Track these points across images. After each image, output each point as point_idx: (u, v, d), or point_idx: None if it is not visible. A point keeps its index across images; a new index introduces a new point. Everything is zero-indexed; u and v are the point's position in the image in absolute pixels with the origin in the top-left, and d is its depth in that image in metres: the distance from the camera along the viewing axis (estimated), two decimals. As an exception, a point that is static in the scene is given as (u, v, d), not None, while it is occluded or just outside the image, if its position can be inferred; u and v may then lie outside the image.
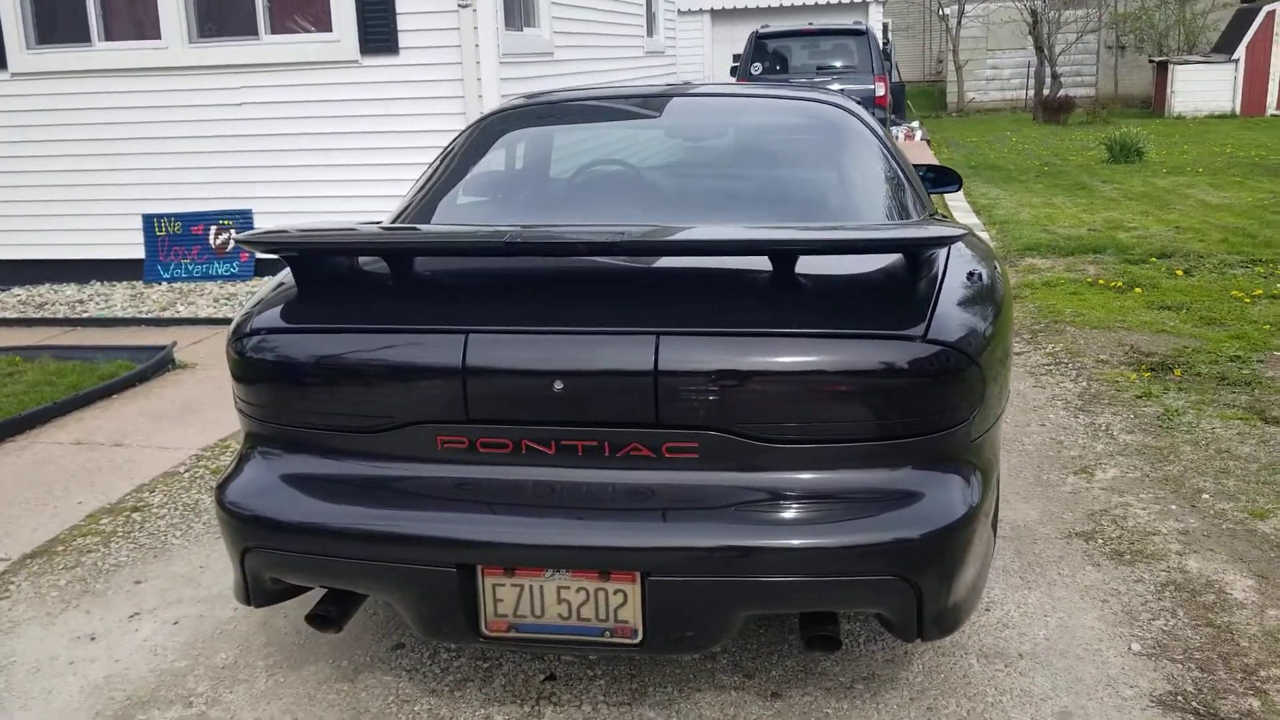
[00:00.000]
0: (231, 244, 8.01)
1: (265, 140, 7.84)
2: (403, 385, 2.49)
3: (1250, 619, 3.15)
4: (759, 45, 13.50)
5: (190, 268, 8.07)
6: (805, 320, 2.43)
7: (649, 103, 3.87)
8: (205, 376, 5.90)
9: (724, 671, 2.95)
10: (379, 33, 7.53)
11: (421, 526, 2.45)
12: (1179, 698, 2.79)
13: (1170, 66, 21.18)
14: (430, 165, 3.73)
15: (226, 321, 7.05)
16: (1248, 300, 6.83)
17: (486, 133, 3.72)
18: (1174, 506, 3.91)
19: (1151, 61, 22.62)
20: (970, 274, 2.73)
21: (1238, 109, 20.98)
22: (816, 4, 17.37)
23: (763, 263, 2.52)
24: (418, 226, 3.18)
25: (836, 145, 3.42)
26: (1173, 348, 5.87)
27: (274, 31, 7.79)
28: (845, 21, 14.33)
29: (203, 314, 7.25)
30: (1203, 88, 21.03)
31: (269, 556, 2.56)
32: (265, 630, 3.27)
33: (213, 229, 8.04)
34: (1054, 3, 22.04)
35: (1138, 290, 7.24)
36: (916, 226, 2.76)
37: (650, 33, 12.28)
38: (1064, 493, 4.07)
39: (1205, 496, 3.98)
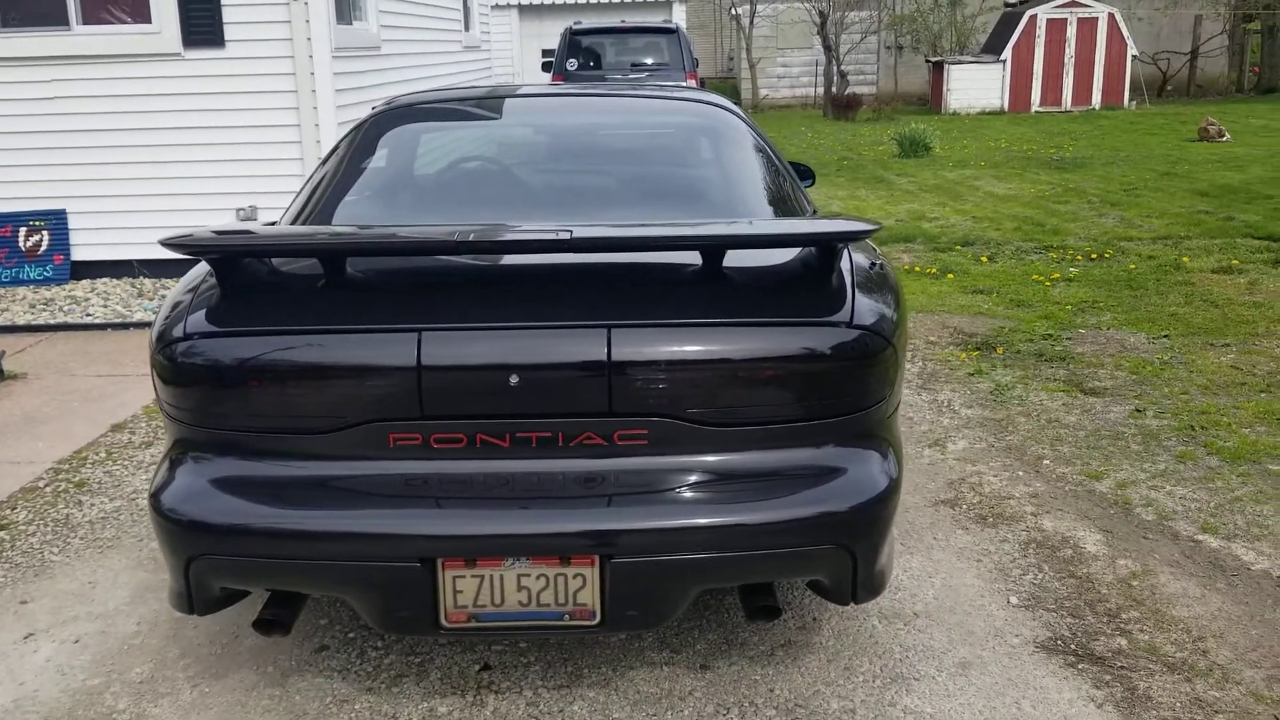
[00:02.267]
0: (44, 246, 7.58)
1: (81, 136, 7.45)
2: (354, 385, 2.52)
3: (1105, 569, 3.53)
4: (573, 41, 13.66)
5: (-3, 272, 7.59)
6: (743, 309, 2.60)
7: (542, 103, 3.96)
8: (41, 386, 5.61)
9: (652, 649, 3.09)
10: (203, 25, 7.28)
11: (382, 524, 2.49)
12: (1059, 642, 3.12)
13: (946, 66, 22.55)
14: (322, 163, 3.70)
15: (49, 328, 6.69)
16: (1047, 284, 7.45)
17: (380, 131, 3.72)
18: (1021, 473, 4.30)
19: (928, 61, 24.00)
20: (871, 264, 2.96)
21: (1006, 106, 22.53)
22: (622, 1, 17.67)
23: (699, 257, 2.67)
24: (361, 227, 3.15)
25: (730, 143, 3.61)
26: (991, 328, 6.37)
27: (86, 22, 7.40)
28: (655, 20, 14.66)
29: (20, 320, 6.85)
30: (975, 86, 22.47)
31: (219, 563, 2.54)
32: (177, 642, 3.21)
33: (23, 231, 7.58)
34: (839, 4, 23.09)
35: (950, 276, 7.78)
36: (840, 220, 2.96)
37: (467, 27, 12.25)
38: (923, 464, 4.40)
39: (1046, 462, 4.39)
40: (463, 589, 2.51)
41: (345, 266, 2.69)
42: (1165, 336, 6.10)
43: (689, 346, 2.52)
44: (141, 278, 7.75)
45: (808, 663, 3.03)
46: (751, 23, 23.26)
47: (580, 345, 2.50)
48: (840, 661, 3.03)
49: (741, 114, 3.89)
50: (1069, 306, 6.80)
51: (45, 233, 7.59)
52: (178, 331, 2.62)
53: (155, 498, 2.61)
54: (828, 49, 22.42)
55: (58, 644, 3.22)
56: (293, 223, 3.36)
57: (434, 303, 2.62)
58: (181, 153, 7.48)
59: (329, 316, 2.59)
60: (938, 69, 22.98)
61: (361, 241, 2.78)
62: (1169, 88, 25.60)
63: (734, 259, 2.71)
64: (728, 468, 2.56)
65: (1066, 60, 22.42)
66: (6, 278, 7.61)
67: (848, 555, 2.56)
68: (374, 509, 2.52)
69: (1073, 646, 3.09)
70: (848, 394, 2.61)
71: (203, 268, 2.87)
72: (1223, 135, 16.78)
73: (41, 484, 4.36)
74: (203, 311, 2.65)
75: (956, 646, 3.10)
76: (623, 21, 14.90)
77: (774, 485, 2.55)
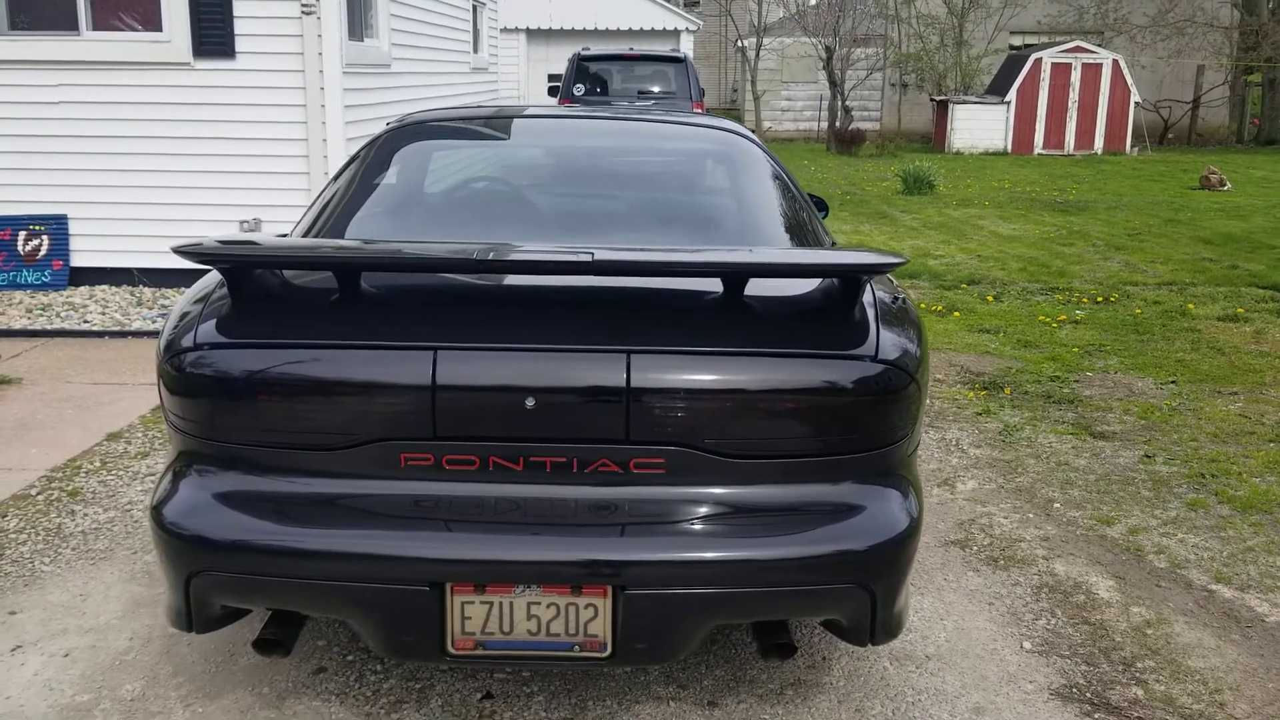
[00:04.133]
0: (43, 251, 7.51)
1: (86, 142, 7.39)
2: (367, 402, 2.46)
3: (1118, 616, 3.46)
4: (581, 67, 13.68)
5: (-6, 275, 7.52)
6: (765, 339, 2.54)
7: (559, 125, 3.91)
8: (36, 393, 5.52)
9: (658, 683, 3.01)
10: (214, 35, 7.24)
11: (390, 545, 2.42)
12: (1074, 690, 3.05)
13: (950, 105, 22.65)
14: (335, 178, 3.65)
15: (45, 334, 6.61)
16: (1054, 325, 7.42)
17: (395, 148, 3.67)
18: (1031, 515, 4.24)
19: (932, 100, 24.11)
20: (893, 298, 2.91)
21: (1009, 147, 22.63)
22: (631, 29, 17.69)
23: (720, 284, 2.62)
24: (379, 242, 3.08)
25: (748, 170, 3.56)
26: (998, 368, 6.32)
27: (96, 28, 7.36)
28: (663, 48, 14.69)
29: (16, 325, 6.76)
30: (979, 126, 22.58)
31: (220, 580, 2.47)
32: (170, 659, 3.12)
33: (22, 234, 7.51)
34: (845, 40, 23.21)
35: (956, 314, 7.74)
36: (866, 252, 2.91)
37: (476, 49, 12.24)
38: (932, 503, 4.33)
39: (1056, 505, 4.33)
40: (471, 615, 2.44)
41: (360, 281, 2.63)
42: (1173, 382, 6.06)
43: (709, 375, 2.46)
44: (141, 286, 7.68)
45: (818, 703, 2.95)
46: (758, 55, 23.37)
47: (599, 370, 2.44)
48: (851, 703, 2.96)
49: (759, 141, 3.84)
50: (1076, 349, 6.76)
51: (45, 237, 7.52)
52: (187, 341, 2.55)
53: (157, 510, 2.54)
54: (833, 84, 22.52)
55: (46, 657, 3.13)
56: (304, 236, 3.30)
57: (450, 321, 2.56)
58: (187, 163, 7.43)
59: (343, 331, 2.53)
60: (942, 108, 23.08)
61: (380, 256, 2.72)
62: (1170, 135, 25.74)
63: (755, 288, 2.65)
64: (745, 501, 2.50)
65: (1070, 104, 22.54)
66: (3, 281, 7.53)
67: (867, 595, 2.49)
68: (382, 530, 2.44)
69: (1088, 695, 3.02)
70: (870, 430, 2.55)
71: (213, 278, 2.81)
72: (1224, 184, 16.84)
73: (34, 492, 4.28)
74: (213, 322, 2.59)
75: (969, 691, 3.03)
76: (631, 49, 14.94)
77: (792, 521, 2.49)
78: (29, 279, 7.56)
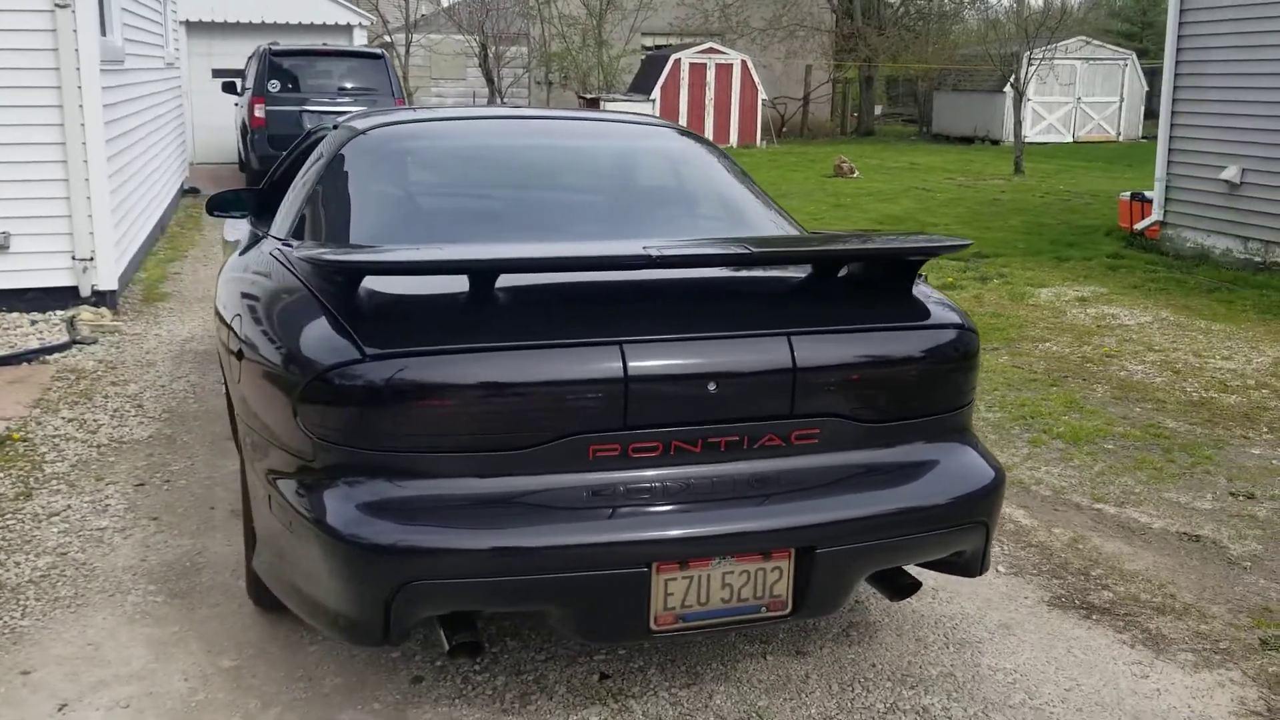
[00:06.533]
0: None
1: None
2: (559, 399, 2.53)
3: (1048, 538, 4.08)
4: (273, 63, 13.06)
5: None
6: (878, 316, 2.87)
7: (533, 125, 3.98)
8: None
9: (747, 643, 3.24)
10: (-54, 29, 6.42)
11: (605, 533, 2.51)
12: (1062, 600, 3.61)
13: (601, 102, 23.61)
14: (311, 181, 3.54)
15: None
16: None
17: (375, 151, 3.62)
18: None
19: (582, 98, 25.01)
20: (922, 274, 3.33)
21: (656, 141, 23.93)
22: (302, 24, 17.03)
23: (816, 270, 2.92)
24: (539, 246, 3.04)
25: (718, 165, 3.84)
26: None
27: None
28: (346, 43, 14.31)
29: None
30: (628, 121, 23.67)
31: (431, 588, 2.44)
32: (250, 693, 2.97)
33: None
34: (494, 39, 23.58)
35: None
36: (936, 236, 3.27)
37: (166, 43, 11.40)
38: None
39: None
40: (673, 591, 2.58)
41: (526, 285, 2.67)
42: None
43: (851, 350, 2.76)
44: None
45: (883, 638, 3.32)
46: (408, 52, 23.19)
47: (770, 351, 2.66)
48: (908, 634, 3.35)
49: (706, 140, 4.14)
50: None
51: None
52: (352, 354, 2.49)
53: (339, 529, 2.45)
54: (489, 81, 22.79)
55: (104, 712, 2.88)
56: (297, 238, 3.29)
57: (627, 315, 2.67)
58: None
59: (526, 333, 2.57)
60: (593, 104, 23.98)
61: (553, 259, 2.78)
62: (785, 129, 28.26)
63: (835, 272, 2.97)
64: (888, 460, 2.81)
65: (707, 102, 24.22)
66: None
67: (984, 529, 2.89)
68: (588, 520, 2.53)
69: (1076, 602, 3.59)
70: (962, 387, 2.95)
71: (288, 282, 2.79)
72: (854, 172, 18.87)
73: (-69, 547, 3.77)
74: (379, 331, 2.55)
75: (988, 611, 3.51)
76: (325, 44, 14.45)
77: (927, 473, 2.83)
78: None
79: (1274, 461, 4.91)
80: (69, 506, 4.15)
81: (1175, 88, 10.18)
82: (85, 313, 6.77)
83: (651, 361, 2.58)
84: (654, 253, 2.60)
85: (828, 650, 3.24)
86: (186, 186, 13.26)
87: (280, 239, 3.48)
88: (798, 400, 2.68)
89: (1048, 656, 3.24)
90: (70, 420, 5.12)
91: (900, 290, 3.02)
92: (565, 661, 3.12)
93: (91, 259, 6.86)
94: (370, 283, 2.68)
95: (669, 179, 3.82)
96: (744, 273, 2.87)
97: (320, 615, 2.64)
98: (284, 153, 4.63)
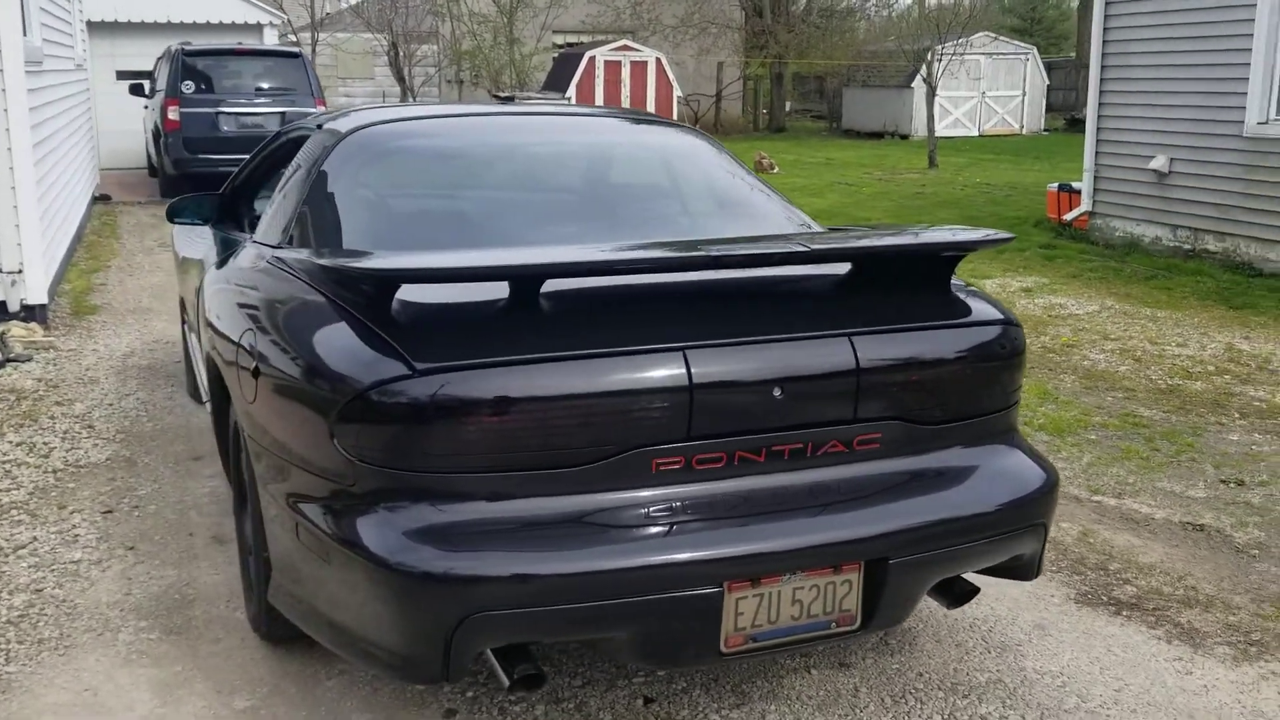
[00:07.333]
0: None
1: None
2: (623, 410, 2.37)
3: (1059, 534, 4.04)
4: (186, 63, 12.54)
5: None
6: (927, 314, 2.77)
7: (531, 122, 3.81)
8: None
9: (789, 658, 3.13)
10: None
11: (678, 552, 2.36)
12: (1089, 596, 3.57)
13: (518, 100, 23.35)
14: (301, 184, 3.33)
15: None
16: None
17: (374, 151, 3.41)
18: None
19: (496, 96, 24.69)
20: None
21: (572, 140, 23.74)
22: (210, 23, 16.40)
23: (883, 269, 2.80)
24: (583, 249, 2.84)
25: (722, 159, 3.72)
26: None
27: None
28: (257, 42, 13.82)
29: None
30: (545, 120, 23.44)
31: (496, 619, 2.27)
32: (273, 736, 2.76)
33: None
34: (403, 37, 23.14)
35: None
36: (974, 229, 3.17)
37: (75, 44, 10.87)
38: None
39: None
40: (744, 610, 2.45)
41: (554, 289, 2.51)
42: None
43: (909, 349, 2.66)
44: None
45: (922, 644, 3.23)
46: (314, 51, 22.62)
47: (833, 354, 2.54)
48: (946, 639, 3.27)
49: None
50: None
51: None
52: (399, 369, 2.31)
53: (400, 562, 2.26)
54: (400, 80, 22.36)
55: (117, 766, 2.65)
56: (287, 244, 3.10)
57: (686, 320, 2.53)
58: None
59: (583, 340, 2.41)
60: (509, 103, 23.71)
61: (609, 261, 2.61)
62: (699, 126, 28.29)
63: (876, 269, 2.86)
64: (946, 464, 2.72)
65: (623, 99, 24.08)
66: None
67: (1042, 531, 2.81)
68: (656, 539, 2.38)
69: (1103, 598, 3.55)
70: (1014, 386, 2.88)
71: (304, 294, 2.60)
72: (774, 167, 18.98)
73: (-112, 590, 3.46)
74: (427, 342, 2.37)
75: (1020, 613, 3.45)
76: (240, 44, 13.96)
77: (987, 476, 2.74)
78: None
79: (1253, 447, 4.96)
80: (35, 538, 3.86)
81: (1102, 79, 10.36)
82: (16, 329, 6.38)
83: (717, 367, 2.44)
84: (714, 253, 2.46)
85: (870, 661, 3.14)
86: (97, 194, 12.69)
87: (271, 245, 3.27)
88: (860, 404, 2.57)
89: (1089, 657, 3.19)
90: (18, 444, 4.79)
91: (940, 286, 2.93)
92: (604, 686, 2.97)
93: (20, 271, 6.48)
94: (406, 292, 2.50)
95: (689, 176, 3.67)
96: (797, 271, 2.75)
97: (362, 651, 2.45)
98: (250, 156, 4.38)
